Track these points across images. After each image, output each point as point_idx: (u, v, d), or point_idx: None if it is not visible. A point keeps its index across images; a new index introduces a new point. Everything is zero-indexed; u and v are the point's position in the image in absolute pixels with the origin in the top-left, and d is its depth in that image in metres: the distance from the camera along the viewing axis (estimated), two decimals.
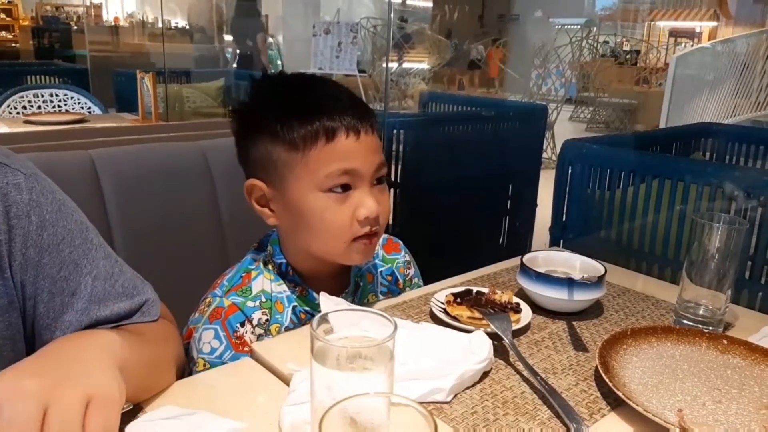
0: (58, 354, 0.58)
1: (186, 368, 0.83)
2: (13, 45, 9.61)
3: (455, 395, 0.71)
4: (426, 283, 1.07)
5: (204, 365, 0.83)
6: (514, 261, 1.12)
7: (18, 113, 2.95)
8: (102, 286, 0.69)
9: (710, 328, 0.87)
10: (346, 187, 0.82)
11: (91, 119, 2.83)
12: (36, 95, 3.04)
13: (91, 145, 1.12)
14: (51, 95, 3.07)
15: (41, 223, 0.65)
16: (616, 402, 0.70)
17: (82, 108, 3.11)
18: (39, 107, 3.03)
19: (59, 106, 3.07)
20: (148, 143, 1.22)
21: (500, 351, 0.80)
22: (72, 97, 3.11)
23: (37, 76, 3.95)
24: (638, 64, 10.40)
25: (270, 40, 7.45)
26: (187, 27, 8.52)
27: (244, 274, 0.90)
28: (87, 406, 0.50)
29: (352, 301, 0.94)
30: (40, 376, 0.52)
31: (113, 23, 9.38)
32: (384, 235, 1.00)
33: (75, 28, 9.18)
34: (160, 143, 1.24)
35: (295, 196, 0.83)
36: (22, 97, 3.01)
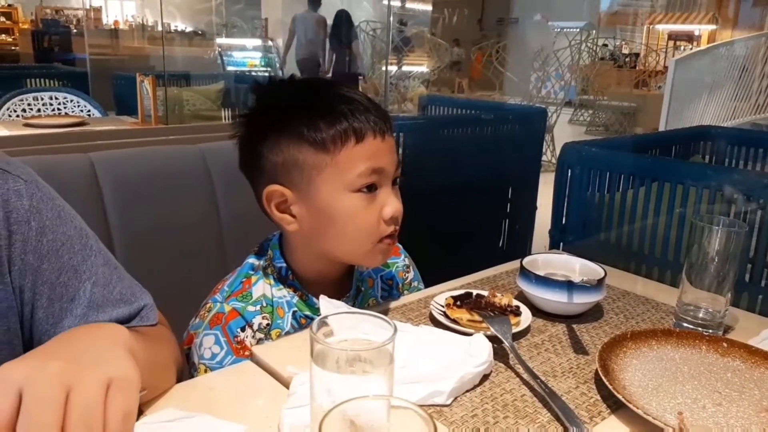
0: (75, 341, 0.59)
1: (185, 373, 0.83)
2: (13, 48, 9.63)
3: (455, 398, 0.71)
4: (426, 286, 1.07)
5: (205, 371, 0.83)
6: (514, 264, 1.12)
7: (18, 116, 2.95)
8: (101, 293, 0.69)
9: (710, 330, 0.87)
10: (372, 188, 0.83)
11: (91, 122, 2.82)
12: (36, 98, 3.04)
13: (90, 148, 1.12)
14: (50, 98, 3.07)
15: (41, 229, 0.66)
16: (616, 405, 0.70)
17: (82, 111, 3.11)
18: (38, 110, 3.03)
19: (59, 109, 3.07)
20: (147, 146, 1.22)
21: (500, 354, 0.80)
22: (72, 100, 3.11)
23: (37, 79, 3.95)
24: (637, 68, 10.43)
25: (270, 43, 7.48)
26: (188, 30, 8.54)
27: (244, 280, 0.90)
28: (108, 389, 0.51)
29: (353, 306, 0.93)
30: (60, 359, 0.52)
31: (113, 26, 9.40)
32: None
33: (75, 31, 9.19)
34: (160, 146, 1.25)
35: (323, 197, 0.82)
36: (22, 100, 3.01)
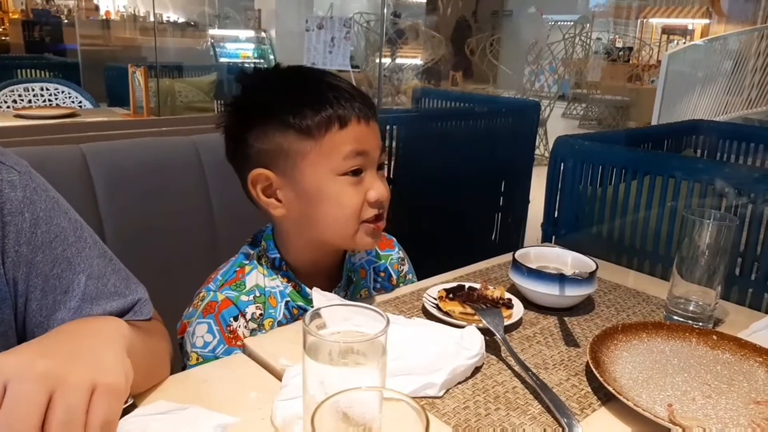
0: (70, 335, 0.59)
1: (177, 363, 0.83)
2: (3, 38, 9.52)
3: (447, 390, 0.71)
4: (419, 279, 1.07)
5: (197, 359, 0.83)
6: (507, 257, 1.12)
7: (8, 107, 2.93)
8: (95, 285, 0.69)
9: (700, 323, 0.88)
10: (357, 171, 0.84)
11: (82, 113, 2.81)
12: (26, 89, 3.02)
13: (82, 140, 1.11)
14: (42, 89, 3.05)
15: (35, 220, 0.65)
16: (606, 397, 0.71)
17: (73, 102, 3.09)
18: (30, 101, 3.01)
19: (50, 100, 3.05)
20: (139, 137, 1.21)
21: (492, 346, 0.80)
22: (63, 91, 3.09)
23: (28, 70, 3.91)
24: (631, 61, 10.43)
25: (263, 34, 7.45)
26: (180, 21, 8.47)
27: (238, 269, 0.90)
28: (92, 394, 0.51)
29: (345, 296, 0.94)
30: (50, 357, 0.52)
31: (104, 17, 9.31)
32: None
33: (66, 21, 9.10)
34: (152, 137, 1.24)
35: (309, 181, 0.83)
36: (13, 91, 2.98)
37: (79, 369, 0.52)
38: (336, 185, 0.83)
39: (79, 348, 0.56)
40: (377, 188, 0.85)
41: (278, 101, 0.84)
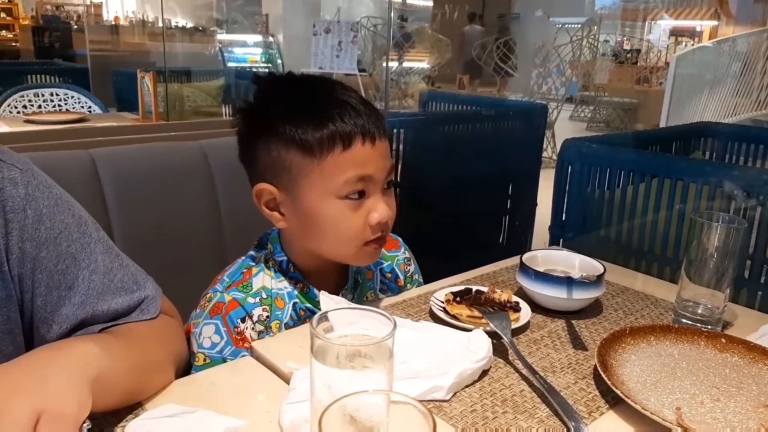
0: (22, 364, 0.57)
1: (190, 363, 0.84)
2: (14, 44, 9.62)
3: (454, 393, 0.71)
4: (426, 282, 1.07)
5: (204, 360, 0.83)
6: (514, 260, 1.12)
7: (18, 112, 2.95)
8: (100, 281, 0.69)
9: (709, 326, 0.87)
10: (360, 194, 0.82)
11: (92, 118, 2.83)
12: (36, 94, 3.05)
13: (91, 145, 1.12)
14: (51, 94, 3.07)
15: (38, 217, 0.66)
16: (614, 400, 0.71)
17: (83, 107, 3.11)
18: (39, 107, 3.03)
19: (60, 106, 3.08)
20: (148, 142, 1.22)
21: (499, 349, 0.80)
22: (72, 97, 3.11)
23: (38, 76, 3.94)
24: (639, 63, 10.39)
25: (270, 39, 7.49)
26: (188, 26, 8.52)
27: (244, 271, 0.90)
28: (38, 421, 0.49)
29: (352, 299, 0.94)
30: None
31: (113, 22, 9.38)
32: None
33: (75, 27, 9.18)
34: (161, 142, 1.25)
35: (309, 201, 0.83)
36: (23, 96, 3.01)
37: (22, 398, 0.50)
38: (335, 208, 0.82)
39: (27, 378, 0.54)
40: (380, 210, 0.83)
41: (283, 113, 0.83)
